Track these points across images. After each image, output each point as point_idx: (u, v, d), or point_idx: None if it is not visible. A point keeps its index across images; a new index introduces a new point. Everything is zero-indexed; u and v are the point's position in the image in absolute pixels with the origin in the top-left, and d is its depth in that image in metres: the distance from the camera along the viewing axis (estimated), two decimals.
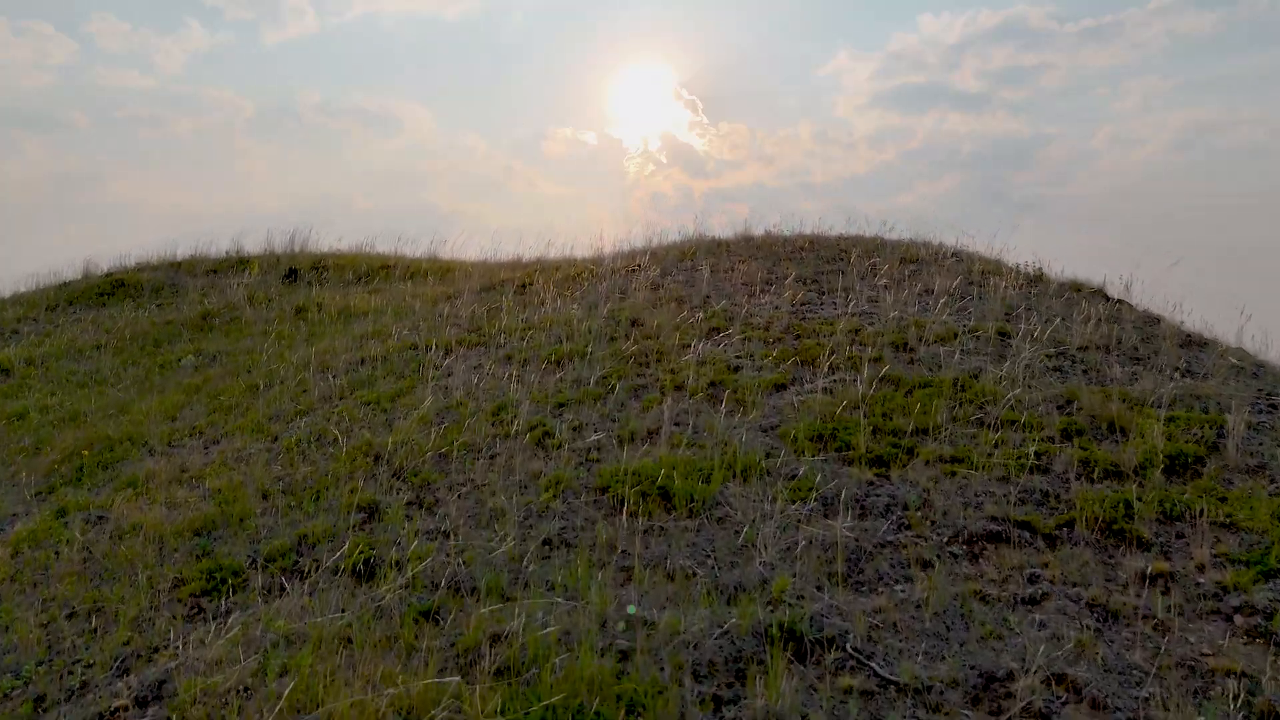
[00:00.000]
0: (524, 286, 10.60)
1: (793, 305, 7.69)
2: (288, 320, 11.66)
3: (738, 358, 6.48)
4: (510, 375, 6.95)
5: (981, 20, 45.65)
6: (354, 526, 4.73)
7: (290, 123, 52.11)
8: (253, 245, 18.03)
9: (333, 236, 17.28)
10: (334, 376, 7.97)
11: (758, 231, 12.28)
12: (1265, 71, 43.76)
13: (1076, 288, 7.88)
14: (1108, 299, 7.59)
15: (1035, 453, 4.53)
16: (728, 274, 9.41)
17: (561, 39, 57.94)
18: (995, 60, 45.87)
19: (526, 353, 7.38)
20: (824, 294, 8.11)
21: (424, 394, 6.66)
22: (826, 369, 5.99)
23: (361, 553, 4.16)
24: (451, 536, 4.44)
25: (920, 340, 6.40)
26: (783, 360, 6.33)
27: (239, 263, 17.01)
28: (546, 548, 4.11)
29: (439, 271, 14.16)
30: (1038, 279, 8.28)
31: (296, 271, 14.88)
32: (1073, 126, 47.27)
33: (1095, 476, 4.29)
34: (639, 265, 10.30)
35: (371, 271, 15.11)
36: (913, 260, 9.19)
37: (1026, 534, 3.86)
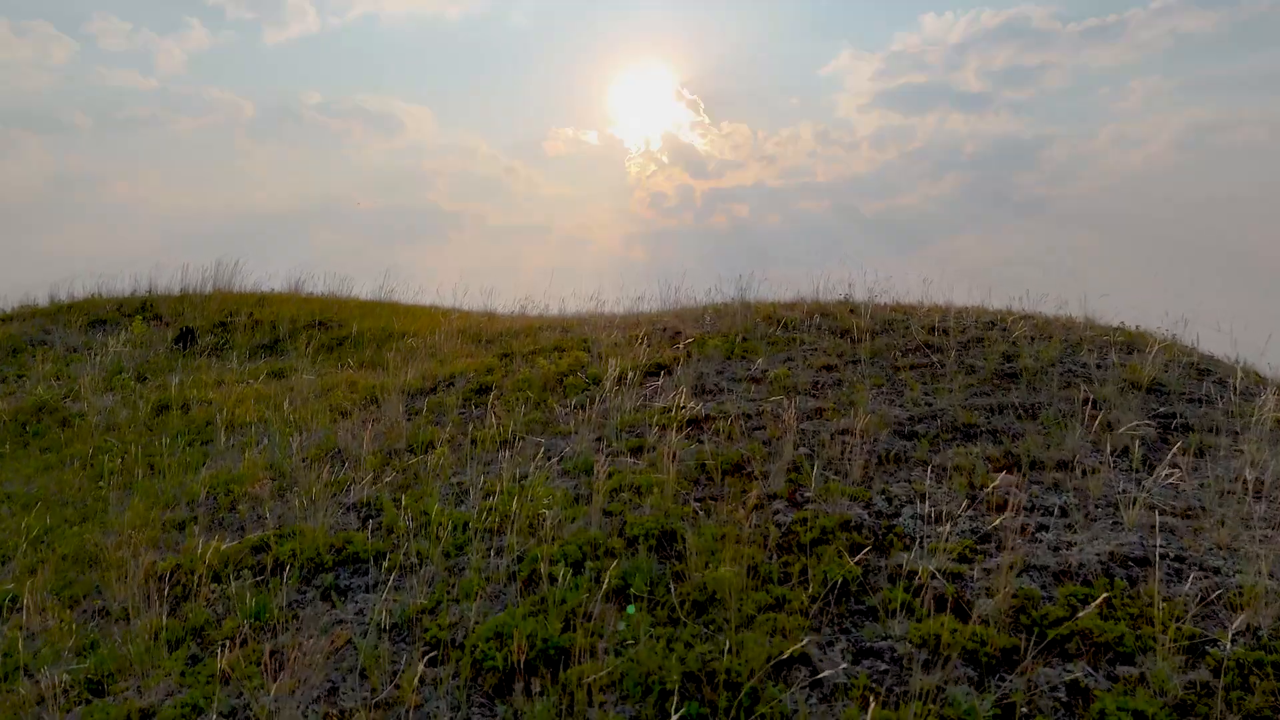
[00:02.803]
0: (480, 392, 6.78)
1: (993, 512, 3.85)
2: (138, 427, 7.83)
3: None
4: None
5: (984, 20, 42.95)
6: None
7: (290, 123, 48.99)
8: (170, 280, 14.31)
9: (271, 268, 13.69)
10: (90, 625, 4.16)
11: (827, 296, 8.42)
12: (1267, 71, 41.03)
13: None
14: None
15: None
16: (815, 399, 5.56)
17: (563, 39, 54.50)
18: (998, 60, 43.25)
19: (446, 619, 3.54)
20: (1038, 480, 4.24)
21: None
22: None
23: None
24: None
25: None
26: None
27: (143, 305, 13.25)
28: None
29: (377, 336, 10.33)
30: None
31: (193, 332, 11.06)
32: (1075, 126, 44.67)
33: None
34: (662, 366, 6.47)
35: (294, 330, 11.27)
36: (1152, 387, 5.32)
37: None
